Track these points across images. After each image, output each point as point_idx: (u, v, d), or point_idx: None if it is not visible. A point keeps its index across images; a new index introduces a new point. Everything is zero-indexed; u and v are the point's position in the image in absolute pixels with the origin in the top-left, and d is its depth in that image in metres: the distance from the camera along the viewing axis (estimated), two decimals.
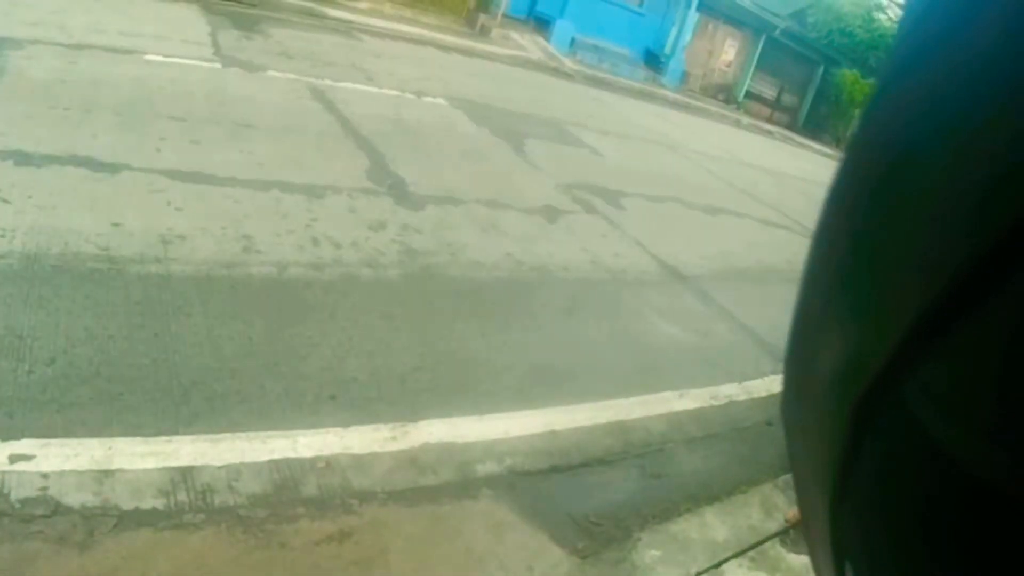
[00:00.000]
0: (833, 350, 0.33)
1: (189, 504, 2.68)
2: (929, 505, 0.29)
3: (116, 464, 2.73)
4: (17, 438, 2.68)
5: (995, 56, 0.25)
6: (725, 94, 24.75)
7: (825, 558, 0.37)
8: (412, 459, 3.28)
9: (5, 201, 3.98)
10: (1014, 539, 0.26)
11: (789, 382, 0.39)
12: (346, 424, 3.34)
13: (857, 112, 24.45)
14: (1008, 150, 0.24)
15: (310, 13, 11.53)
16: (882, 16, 25.93)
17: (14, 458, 2.61)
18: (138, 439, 2.87)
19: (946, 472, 0.28)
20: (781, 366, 0.40)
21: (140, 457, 2.80)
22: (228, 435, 3.05)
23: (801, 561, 3.44)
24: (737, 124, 21.13)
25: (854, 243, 0.32)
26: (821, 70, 26.47)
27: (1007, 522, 0.26)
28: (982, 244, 0.24)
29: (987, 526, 0.27)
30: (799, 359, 0.38)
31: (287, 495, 2.88)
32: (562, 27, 18.71)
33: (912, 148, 0.29)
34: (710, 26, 23.68)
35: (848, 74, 25.05)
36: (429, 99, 9.35)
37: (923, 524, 0.30)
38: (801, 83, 26.79)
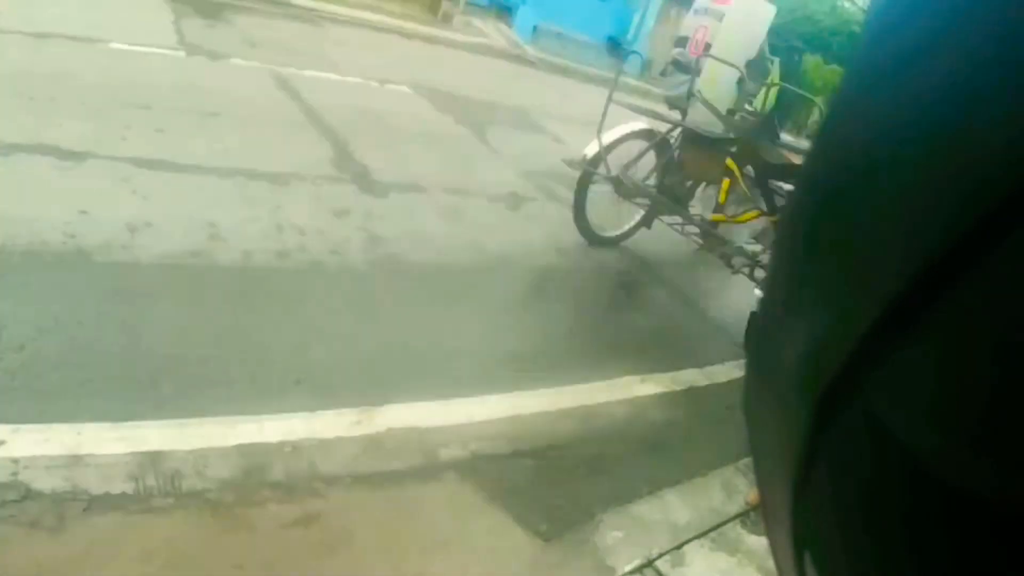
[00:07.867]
0: (797, 342, 0.33)
1: (158, 488, 2.70)
2: (886, 502, 0.29)
3: (86, 449, 2.75)
4: None
5: (984, 50, 0.25)
6: None
7: (785, 548, 0.37)
8: (377, 443, 3.31)
9: None
10: (966, 537, 0.26)
11: (752, 373, 0.39)
12: (312, 409, 3.36)
13: (820, 98, 24.39)
14: (983, 142, 0.24)
15: (274, 1, 11.41)
16: (846, 3, 26.07)
17: None
18: (107, 424, 2.89)
19: (902, 469, 0.28)
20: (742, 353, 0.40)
21: (109, 442, 2.81)
22: (196, 420, 3.07)
23: (761, 543, 3.47)
24: None
25: (823, 234, 0.32)
26: (784, 56, 26.58)
27: (960, 520, 0.26)
28: (949, 237, 0.25)
29: (942, 524, 0.27)
30: (763, 350, 0.38)
31: (255, 479, 2.90)
32: (524, 14, 18.63)
33: (888, 138, 0.29)
34: (673, 12, 23.70)
35: (811, 60, 25.17)
36: (393, 87, 9.29)
37: (881, 521, 0.29)
38: (763, 69, 26.87)
